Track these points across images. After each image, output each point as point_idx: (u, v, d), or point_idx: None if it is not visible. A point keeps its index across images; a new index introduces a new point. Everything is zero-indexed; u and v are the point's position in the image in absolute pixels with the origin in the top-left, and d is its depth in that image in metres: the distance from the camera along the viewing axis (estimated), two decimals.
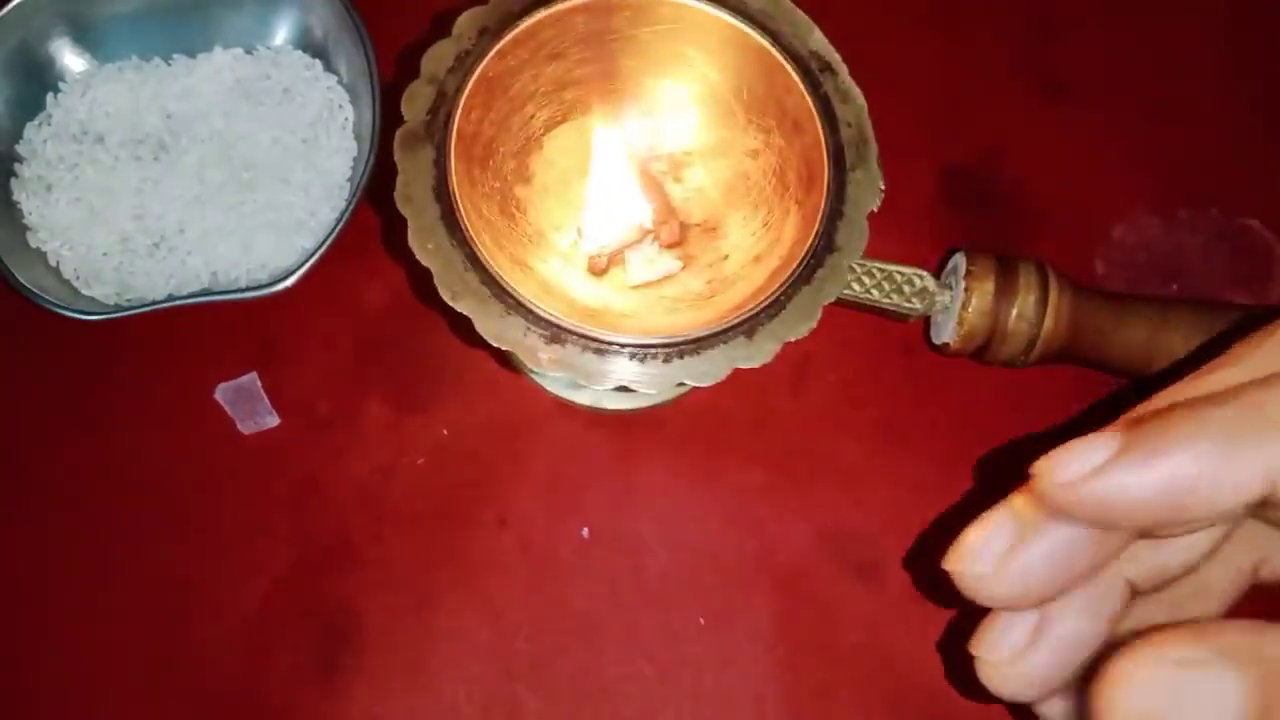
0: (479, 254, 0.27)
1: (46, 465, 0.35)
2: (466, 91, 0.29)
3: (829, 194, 0.29)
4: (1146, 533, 0.18)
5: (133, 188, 0.37)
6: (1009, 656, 0.20)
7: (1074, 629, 0.19)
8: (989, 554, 0.19)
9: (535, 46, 0.31)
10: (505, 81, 0.31)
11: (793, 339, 0.27)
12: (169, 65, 0.39)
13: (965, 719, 0.33)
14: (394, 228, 0.28)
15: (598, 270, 0.33)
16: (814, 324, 0.28)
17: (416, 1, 0.38)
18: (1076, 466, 0.17)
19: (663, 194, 0.34)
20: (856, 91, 0.30)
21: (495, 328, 0.27)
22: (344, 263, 0.36)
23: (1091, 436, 0.17)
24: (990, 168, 0.41)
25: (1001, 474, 0.35)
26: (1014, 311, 0.33)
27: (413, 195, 0.28)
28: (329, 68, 0.39)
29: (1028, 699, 0.20)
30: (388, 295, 0.38)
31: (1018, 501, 0.19)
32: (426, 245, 0.27)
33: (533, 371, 0.36)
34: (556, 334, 0.27)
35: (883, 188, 0.29)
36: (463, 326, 0.27)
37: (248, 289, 0.34)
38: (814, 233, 0.28)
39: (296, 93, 0.38)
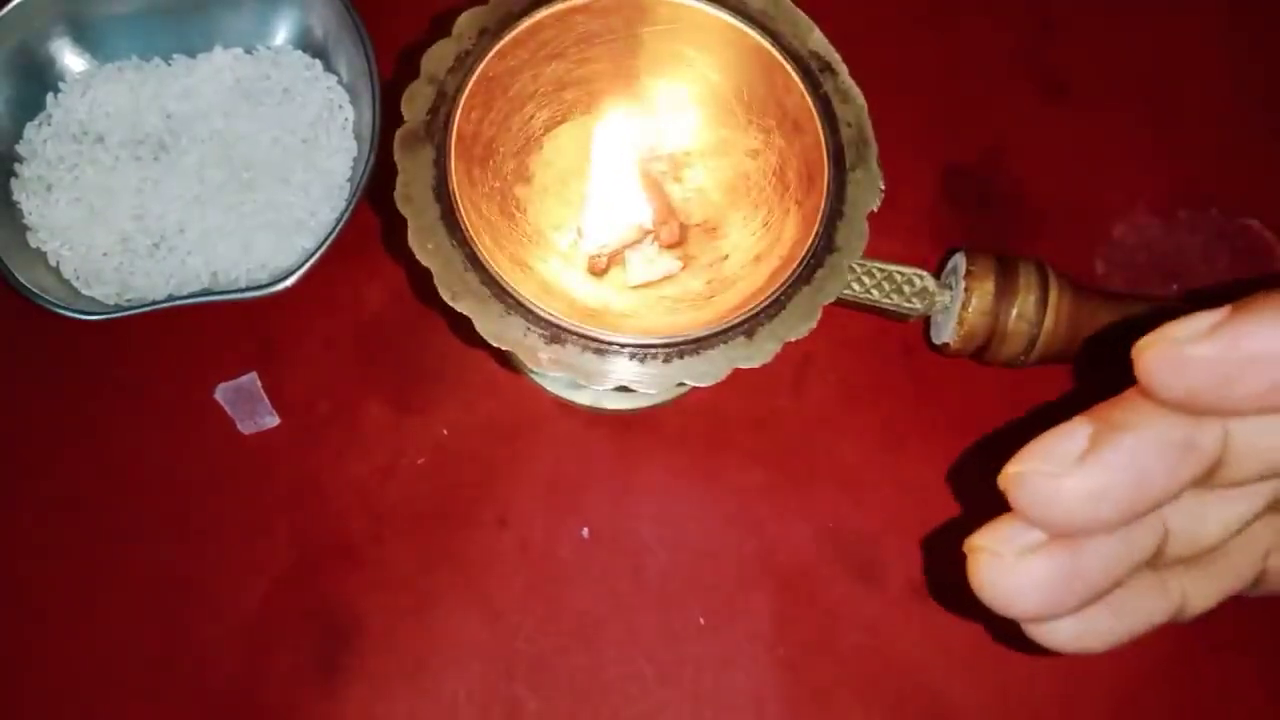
0: (479, 254, 0.27)
1: (46, 465, 0.35)
2: (466, 91, 0.29)
3: (829, 194, 0.29)
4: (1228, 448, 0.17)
5: (133, 188, 0.37)
6: (1017, 549, 0.18)
7: (1101, 547, 0.18)
8: (1064, 453, 0.17)
9: (535, 46, 0.31)
10: (505, 81, 0.31)
11: (793, 339, 0.27)
12: (169, 65, 0.39)
13: (966, 719, 0.33)
14: (394, 228, 0.28)
15: (598, 270, 0.33)
16: (814, 324, 0.28)
17: (416, 1, 0.38)
18: (1187, 332, 0.16)
19: (663, 194, 0.34)
20: (856, 91, 0.30)
21: (495, 328, 0.27)
22: (344, 263, 0.36)
23: (1193, 315, 0.17)
24: (990, 168, 0.41)
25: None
26: (1014, 311, 0.33)
27: (413, 195, 0.28)
28: (329, 68, 0.39)
29: (1018, 608, 0.18)
30: (388, 295, 0.38)
31: (1097, 409, 0.17)
32: (426, 245, 0.27)
33: (533, 371, 0.36)
34: (556, 334, 0.27)
35: (883, 188, 0.29)
36: (463, 326, 0.27)
37: (248, 289, 0.34)
38: (814, 233, 0.28)
39: (296, 93, 0.38)
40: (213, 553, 0.34)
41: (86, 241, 0.36)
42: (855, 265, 0.32)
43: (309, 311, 0.37)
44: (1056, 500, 0.17)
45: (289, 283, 0.34)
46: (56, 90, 0.38)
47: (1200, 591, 0.20)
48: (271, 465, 0.35)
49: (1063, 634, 0.19)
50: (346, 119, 0.38)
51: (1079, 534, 0.18)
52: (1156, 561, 0.19)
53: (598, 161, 0.32)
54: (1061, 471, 0.17)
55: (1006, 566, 0.18)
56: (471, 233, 0.28)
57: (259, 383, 0.36)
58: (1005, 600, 0.18)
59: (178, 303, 0.34)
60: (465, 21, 0.30)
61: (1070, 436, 0.17)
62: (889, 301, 0.33)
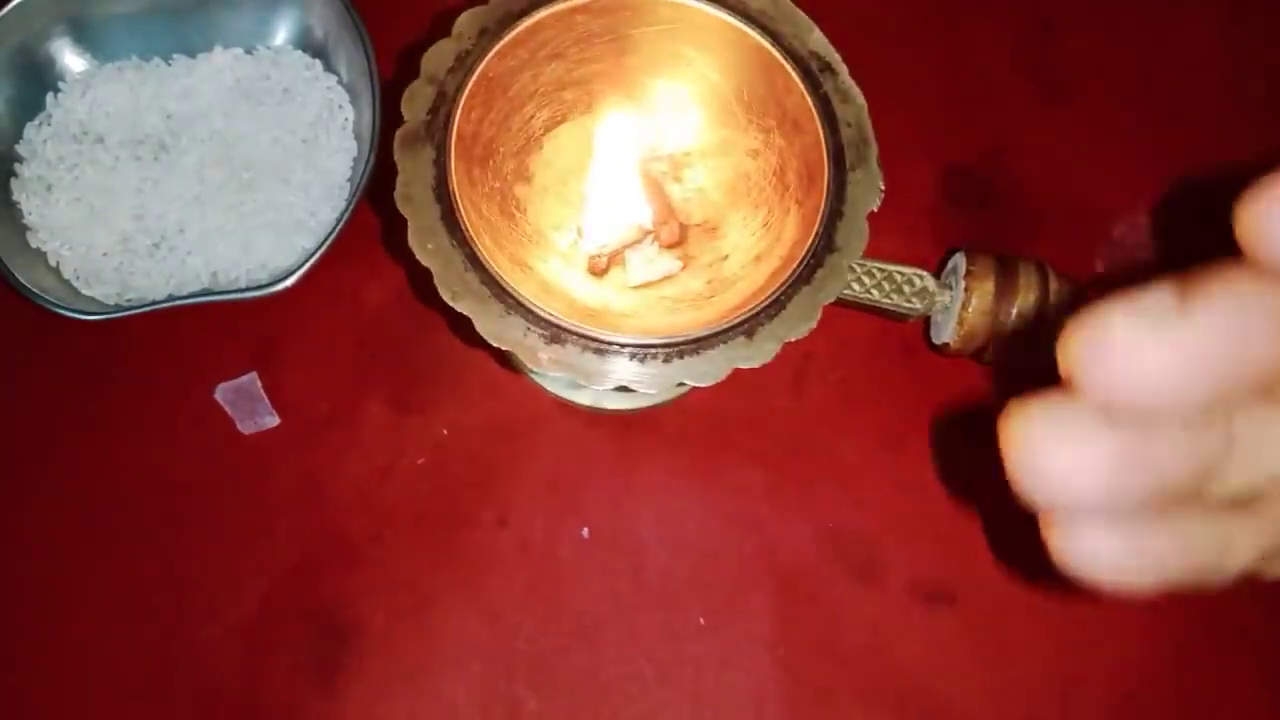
0: (479, 254, 0.27)
1: (46, 465, 0.35)
2: (466, 91, 0.29)
3: (829, 194, 0.29)
4: None
5: (133, 188, 0.37)
6: (1062, 429, 0.15)
7: (1172, 432, 0.14)
8: (1152, 310, 0.14)
9: (535, 46, 0.31)
10: (505, 81, 0.31)
11: (793, 339, 0.27)
12: (169, 65, 0.39)
13: (967, 719, 0.33)
14: (394, 228, 0.28)
15: (598, 270, 0.33)
16: (814, 324, 0.28)
17: (416, 1, 0.38)
18: None
19: (663, 194, 0.34)
20: (856, 91, 0.30)
21: (495, 328, 0.27)
22: (344, 263, 0.36)
23: None
24: (990, 168, 0.41)
25: (1001, 474, 0.35)
26: (1014, 311, 0.33)
27: (413, 195, 0.28)
28: (329, 68, 0.39)
29: (1068, 488, 0.15)
30: (388, 295, 0.38)
31: (1179, 276, 0.14)
32: (426, 245, 0.27)
33: (533, 371, 0.36)
34: (556, 334, 0.27)
35: (883, 188, 0.29)
36: (463, 326, 0.27)
37: (248, 289, 0.34)
38: (814, 233, 0.28)
39: (296, 93, 0.38)
40: (213, 553, 0.34)
41: (86, 241, 0.36)
42: (855, 265, 0.32)
43: (309, 311, 0.37)
44: (1142, 364, 0.14)
45: (289, 283, 0.34)
46: (56, 90, 0.38)
47: (1243, 538, 0.17)
48: (271, 465, 0.35)
49: (1105, 551, 0.15)
50: (346, 119, 0.38)
51: (1157, 412, 0.14)
52: (1209, 486, 0.16)
53: (598, 161, 0.32)
54: (1150, 331, 0.14)
55: (1060, 436, 0.15)
56: (471, 233, 0.28)
57: (259, 383, 0.36)
58: (1053, 478, 0.15)
59: (178, 303, 0.34)
60: (465, 21, 0.30)
61: (1156, 294, 0.14)
62: (889, 301, 0.33)
